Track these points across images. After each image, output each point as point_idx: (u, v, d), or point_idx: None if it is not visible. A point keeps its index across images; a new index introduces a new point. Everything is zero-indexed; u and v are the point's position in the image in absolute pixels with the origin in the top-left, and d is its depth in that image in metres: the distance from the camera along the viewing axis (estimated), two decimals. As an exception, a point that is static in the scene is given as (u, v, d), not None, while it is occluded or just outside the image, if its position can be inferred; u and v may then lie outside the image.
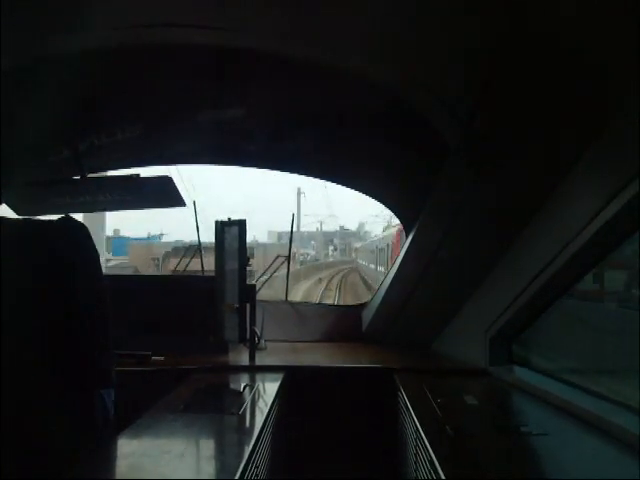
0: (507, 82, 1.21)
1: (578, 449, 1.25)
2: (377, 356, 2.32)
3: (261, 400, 1.68)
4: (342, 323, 2.67)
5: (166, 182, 1.79)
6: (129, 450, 1.26)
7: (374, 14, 1.08)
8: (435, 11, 1.05)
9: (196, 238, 2.78)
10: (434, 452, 1.18)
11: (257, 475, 1.25)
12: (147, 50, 1.34)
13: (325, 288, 17.20)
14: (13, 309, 1.07)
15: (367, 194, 2.36)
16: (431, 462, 1.17)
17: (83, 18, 1.12)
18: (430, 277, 2.04)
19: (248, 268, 2.26)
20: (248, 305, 2.22)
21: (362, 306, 2.70)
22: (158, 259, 15.23)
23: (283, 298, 2.88)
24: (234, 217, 2.20)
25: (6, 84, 1.23)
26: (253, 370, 2.08)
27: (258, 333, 2.27)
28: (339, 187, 2.43)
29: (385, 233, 13.49)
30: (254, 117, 1.77)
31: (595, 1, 0.94)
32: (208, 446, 1.36)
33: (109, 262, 13.88)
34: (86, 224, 1.23)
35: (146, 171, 1.88)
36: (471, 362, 1.99)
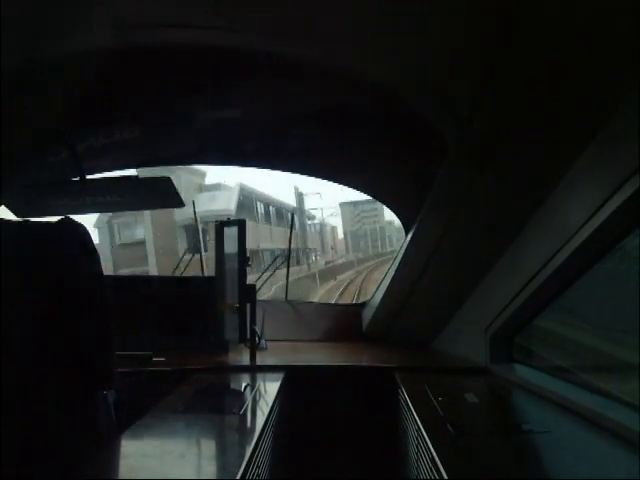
0: (507, 81, 1.21)
1: (580, 447, 1.25)
2: (378, 355, 2.32)
3: (262, 400, 1.68)
4: (343, 322, 2.67)
5: (165, 183, 1.79)
6: (130, 450, 1.26)
7: (373, 13, 1.08)
8: (435, 10, 1.05)
9: None
10: (435, 451, 1.18)
11: (258, 475, 1.25)
12: (145, 50, 1.33)
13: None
14: (13, 311, 1.07)
15: (366, 193, 2.37)
16: (433, 461, 1.17)
17: (81, 18, 1.12)
18: (430, 276, 2.04)
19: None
20: (248, 305, 2.22)
21: (362, 305, 2.70)
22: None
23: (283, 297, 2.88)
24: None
25: (4, 85, 1.23)
26: (254, 370, 2.08)
27: (258, 333, 2.27)
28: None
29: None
30: (253, 117, 1.77)
31: (595, 1, 0.94)
32: (209, 446, 1.37)
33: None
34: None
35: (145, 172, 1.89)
36: (472, 360, 1.99)
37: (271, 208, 18.98)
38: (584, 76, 1.10)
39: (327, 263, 20.43)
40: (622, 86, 1.06)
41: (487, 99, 1.26)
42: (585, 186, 1.31)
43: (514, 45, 1.08)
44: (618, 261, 1.46)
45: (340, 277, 17.80)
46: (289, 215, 19.81)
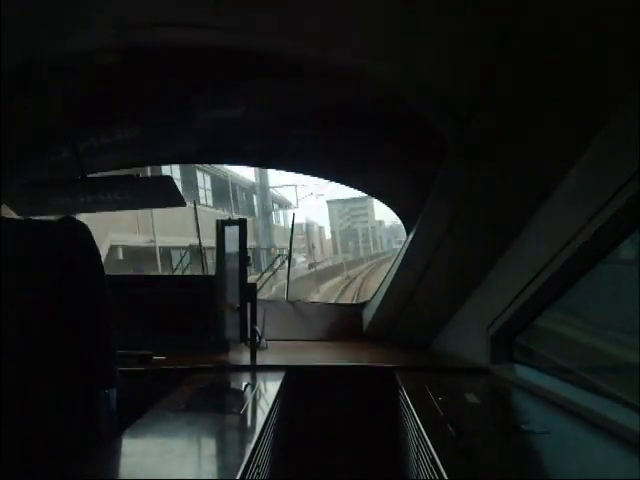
0: (506, 81, 1.20)
1: (580, 448, 1.25)
2: (378, 355, 2.32)
3: (262, 399, 1.68)
4: (343, 322, 2.67)
5: (166, 182, 1.79)
6: (131, 449, 1.26)
7: (373, 13, 1.08)
8: (435, 10, 1.04)
9: None
10: (436, 451, 1.18)
11: (258, 474, 1.25)
12: (146, 50, 1.34)
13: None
14: (14, 310, 1.07)
15: (367, 193, 2.37)
16: (433, 461, 1.17)
17: (82, 18, 1.12)
18: (431, 276, 2.04)
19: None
20: (249, 304, 2.22)
21: (363, 305, 2.70)
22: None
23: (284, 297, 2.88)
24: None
25: (5, 84, 1.23)
26: (254, 369, 2.09)
27: (259, 332, 2.28)
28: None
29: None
30: (253, 117, 1.77)
31: (595, 1, 0.94)
32: (209, 445, 1.37)
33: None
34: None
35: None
36: (472, 360, 1.99)
37: (202, 176, 11.92)
38: (584, 76, 1.10)
39: (310, 266, 16.53)
40: (622, 86, 1.06)
41: (487, 99, 1.26)
42: (586, 186, 1.31)
43: (514, 45, 1.08)
44: (620, 262, 1.46)
45: (325, 286, 13.99)
46: (243, 195, 14.31)
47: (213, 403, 1.61)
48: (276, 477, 1.55)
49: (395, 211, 2.32)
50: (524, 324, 1.81)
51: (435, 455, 1.16)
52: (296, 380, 1.95)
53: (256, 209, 15.70)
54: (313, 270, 15.40)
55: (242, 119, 1.78)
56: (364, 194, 2.55)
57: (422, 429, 1.34)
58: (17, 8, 1.01)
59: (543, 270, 1.51)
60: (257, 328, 2.25)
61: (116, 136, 1.79)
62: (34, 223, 1.30)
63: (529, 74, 1.15)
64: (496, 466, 1.16)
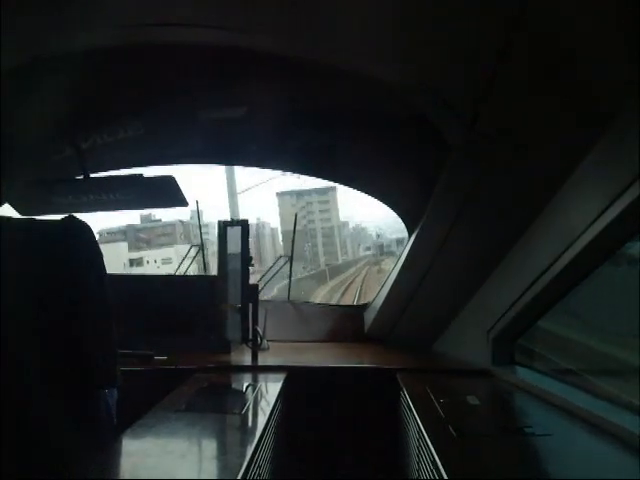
0: (509, 82, 1.20)
1: (581, 450, 1.24)
2: (379, 356, 2.32)
3: (263, 400, 1.68)
4: (345, 323, 2.67)
5: (169, 182, 1.79)
6: (131, 449, 1.26)
7: (375, 13, 1.08)
8: (436, 10, 1.04)
9: None
10: (437, 453, 1.17)
11: (259, 475, 1.24)
12: (148, 49, 1.34)
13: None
14: (15, 309, 1.07)
15: (368, 194, 2.36)
16: (434, 463, 1.17)
17: (84, 17, 1.12)
18: (432, 277, 2.03)
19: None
20: (250, 305, 2.22)
21: (364, 306, 2.69)
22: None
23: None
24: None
25: (7, 84, 1.24)
26: (255, 370, 2.09)
27: (260, 333, 2.28)
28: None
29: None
30: (255, 117, 1.77)
31: (597, 1, 0.94)
32: (210, 446, 1.36)
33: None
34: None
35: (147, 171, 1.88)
36: (474, 362, 1.99)
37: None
38: (587, 76, 1.10)
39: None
40: (626, 85, 1.05)
41: (489, 100, 1.26)
42: (588, 189, 1.31)
43: (517, 45, 1.08)
44: (618, 264, 1.46)
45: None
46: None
47: (214, 403, 1.61)
48: (277, 477, 1.55)
49: (397, 213, 2.31)
50: (526, 326, 1.81)
51: (436, 456, 1.16)
52: (297, 381, 1.95)
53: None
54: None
55: (244, 119, 1.78)
56: (325, 185, 2.47)
57: (423, 430, 1.33)
58: (17, 8, 1.02)
59: (545, 272, 1.51)
60: (258, 329, 2.25)
61: (119, 135, 1.79)
62: (36, 223, 1.30)
63: (532, 74, 1.15)
64: (497, 468, 1.15)
